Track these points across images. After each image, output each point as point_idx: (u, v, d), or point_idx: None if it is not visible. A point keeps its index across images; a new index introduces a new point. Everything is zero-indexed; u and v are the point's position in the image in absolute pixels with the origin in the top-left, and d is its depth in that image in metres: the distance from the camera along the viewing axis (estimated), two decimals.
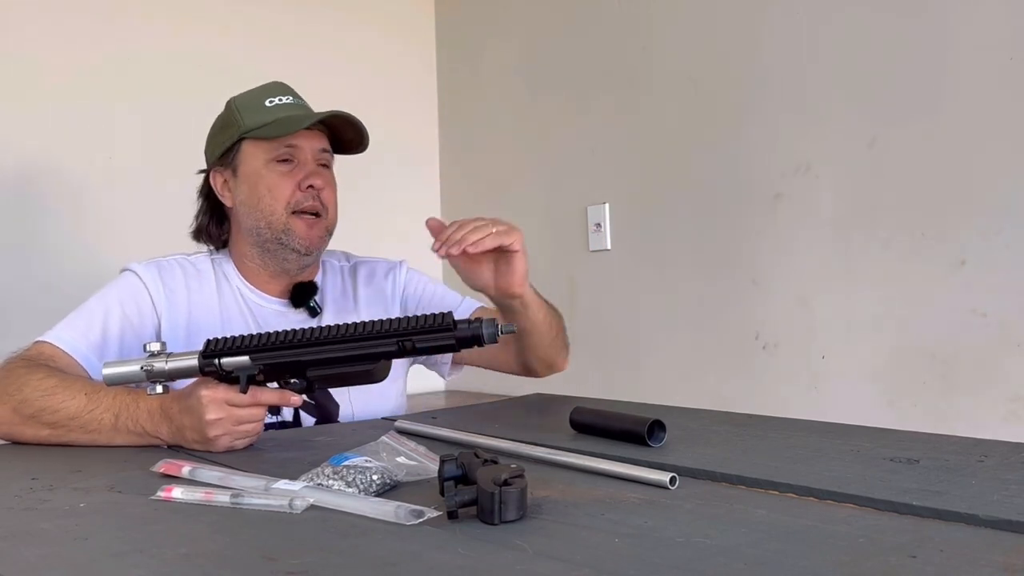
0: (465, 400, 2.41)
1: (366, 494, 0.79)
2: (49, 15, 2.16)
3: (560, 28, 2.46)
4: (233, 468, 0.90)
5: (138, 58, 2.27)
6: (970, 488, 0.76)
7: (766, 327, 1.95)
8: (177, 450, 1.07)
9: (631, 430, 0.99)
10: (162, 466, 0.89)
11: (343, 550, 0.65)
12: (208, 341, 1.05)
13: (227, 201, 1.39)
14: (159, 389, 1.04)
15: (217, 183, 1.40)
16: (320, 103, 1.43)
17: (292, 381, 1.04)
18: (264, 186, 1.34)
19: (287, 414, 1.33)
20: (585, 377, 2.35)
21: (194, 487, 0.82)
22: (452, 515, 0.71)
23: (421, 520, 0.71)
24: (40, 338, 1.25)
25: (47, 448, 1.11)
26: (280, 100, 1.38)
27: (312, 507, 0.76)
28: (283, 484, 0.79)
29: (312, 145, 1.37)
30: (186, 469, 0.87)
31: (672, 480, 0.81)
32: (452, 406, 1.44)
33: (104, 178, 2.21)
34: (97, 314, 1.30)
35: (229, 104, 1.40)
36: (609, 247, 2.31)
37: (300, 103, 1.40)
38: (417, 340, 0.98)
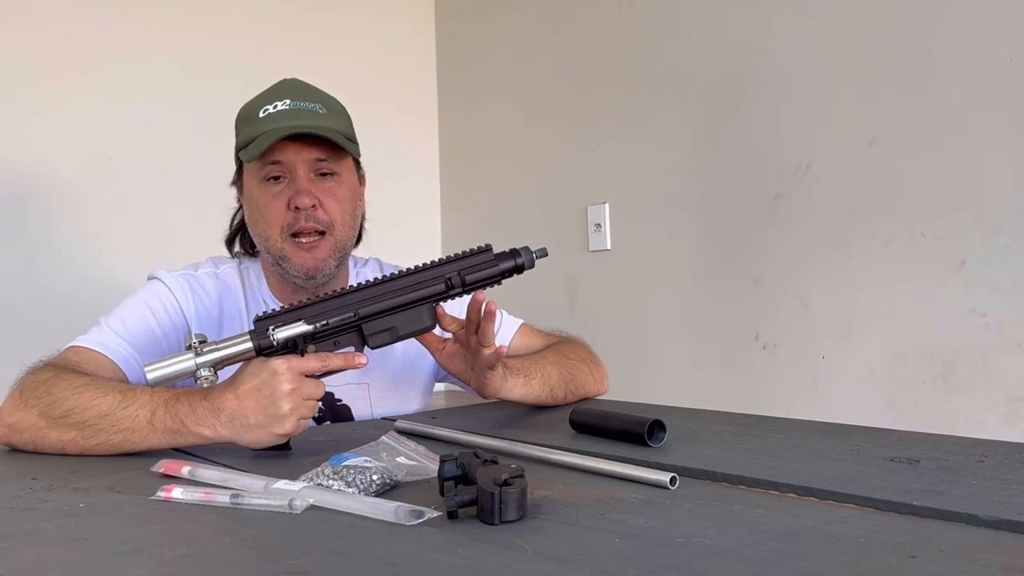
0: (465, 400, 2.40)
1: (366, 494, 0.79)
2: (49, 15, 2.16)
3: (560, 28, 2.46)
4: (233, 468, 0.90)
5: (137, 58, 2.27)
6: (970, 488, 0.76)
7: (766, 327, 1.95)
8: (179, 451, 1.07)
9: (631, 430, 0.99)
10: (162, 466, 0.89)
11: (343, 550, 0.65)
12: (257, 317, 1.04)
13: (246, 218, 1.34)
14: (205, 373, 1.00)
15: (241, 198, 1.36)
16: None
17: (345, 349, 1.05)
18: (258, 208, 1.27)
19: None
20: None
21: (194, 487, 0.82)
22: (452, 515, 0.71)
23: (421, 520, 0.71)
24: (71, 344, 1.20)
25: None
26: (274, 108, 1.26)
27: (312, 507, 0.76)
28: (283, 484, 0.79)
29: (302, 157, 1.25)
30: (186, 469, 0.87)
31: (672, 480, 0.81)
32: (452, 406, 1.44)
33: (104, 179, 2.21)
34: (129, 318, 1.24)
35: (238, 113, 1.33)
36: (609, 247, 2.31)
37: (298, 107, 1.26)
38: (464, 273, 1.01)
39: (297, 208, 1.24)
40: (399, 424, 1.16)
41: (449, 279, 1.02)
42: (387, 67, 2.75)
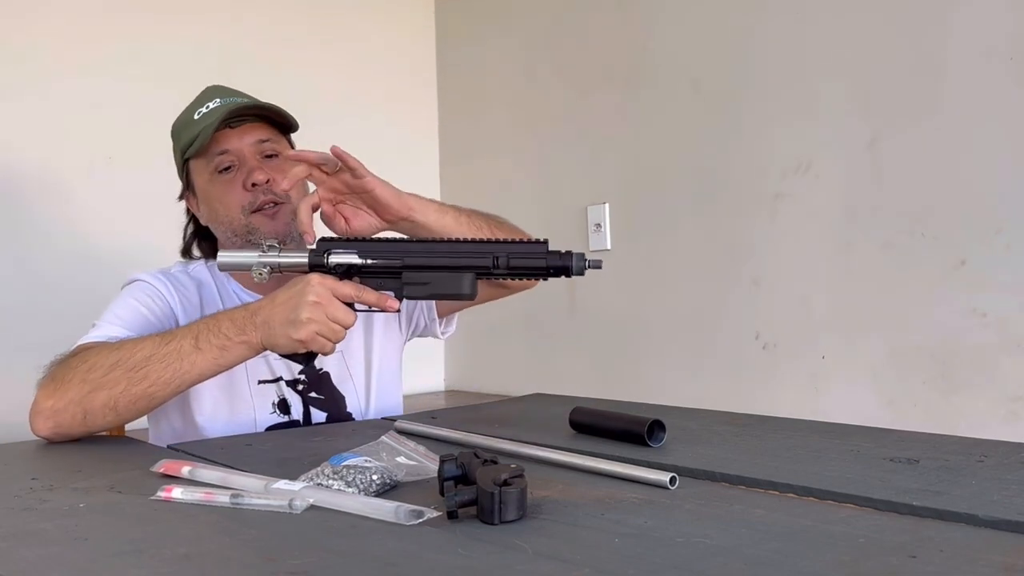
0: (465, 400, 2.41)
1: (366, 494, 0.79)
2: (50, 14, 2.16)
3: (560, 27, 2.46)
4: (233, 468, 0.90)
5: (137, 57, 2.26)
6: (970, 488, 0.76)
7: (766, 327, 1.95)
8: (179, 452, 1.07)
9: (631, 430, 1.00)
10: (162, 466, 0.89)
11: (343, 550, 0.65)
12: (323, 237, 1.11)
13: (203, 221, 1.40)
14: (263, 271, 1.09)
15: (192, 206, 1.42)
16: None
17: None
18: (215, 200, 1.33)
19: (295, 414, 1.34)
20: (585, 377, 2.35)
21: (194, 487, 0.82)
22: (452, 515, 0.71)
23: (421, 520, 0.71)
24: (79, 342, 1.22)
25: (47, 448, 1.11)
26: (208, 107, 1.34)
27: (312, 507, 0.76)
28: (283, 484, 0.79)
29: (246, 141, 1.33)
30: (186, 469, 0.87)
31: (672, 480, 0.81)
32: (452, 406, 1.44)
33: (104, 180, 2.21)
34: (123, 312, 1.28)
35: (172, 127, 1.40)
36: (609, 247, 2.31)
37: (229, 102, 1.33)
38: (512, 257, 1.03)
39: (254, 185, 1.31)
40: (399, 424, 1.16)
41: (496, 258, 1.03)
42: (387, 67, 2.75)
